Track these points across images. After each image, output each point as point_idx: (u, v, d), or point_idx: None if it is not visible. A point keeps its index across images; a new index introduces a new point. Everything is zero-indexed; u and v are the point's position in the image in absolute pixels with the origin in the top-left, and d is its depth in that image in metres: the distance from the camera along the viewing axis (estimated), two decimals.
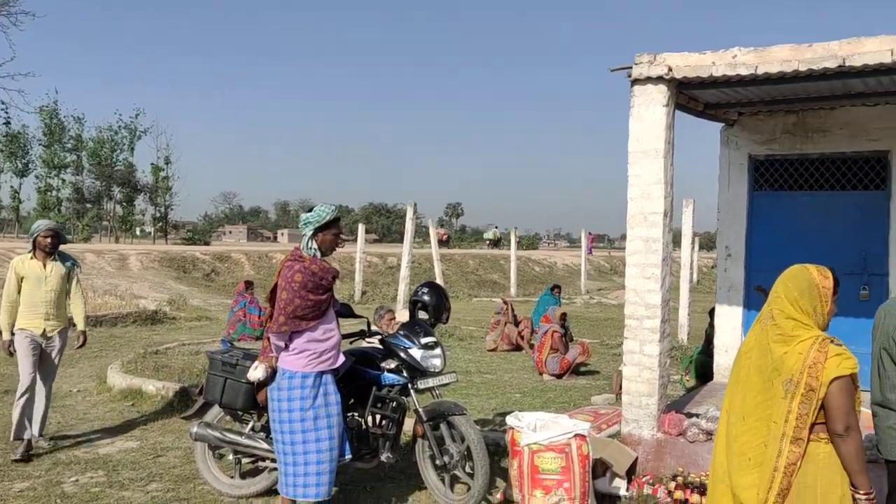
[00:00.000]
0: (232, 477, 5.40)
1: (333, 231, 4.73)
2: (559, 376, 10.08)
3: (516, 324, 12.92)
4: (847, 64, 5.04)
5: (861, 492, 2.91)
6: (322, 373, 4.64)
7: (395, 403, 5.23)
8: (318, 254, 4.70)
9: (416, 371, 5.23)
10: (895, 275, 7.23)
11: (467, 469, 5.09)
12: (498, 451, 5.96)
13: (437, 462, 5.11)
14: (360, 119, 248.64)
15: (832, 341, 2.98)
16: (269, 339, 4.65)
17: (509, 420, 4.97)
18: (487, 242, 52.32)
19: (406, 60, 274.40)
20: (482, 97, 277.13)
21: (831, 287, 3.11)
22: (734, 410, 3.15)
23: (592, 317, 19.58)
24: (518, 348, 12.63)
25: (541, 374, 10.25)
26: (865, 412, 5.71)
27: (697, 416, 5.82)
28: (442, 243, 47.32)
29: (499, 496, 5.30)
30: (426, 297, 5.63)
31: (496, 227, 54.86)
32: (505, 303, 13.62)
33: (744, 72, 5.34)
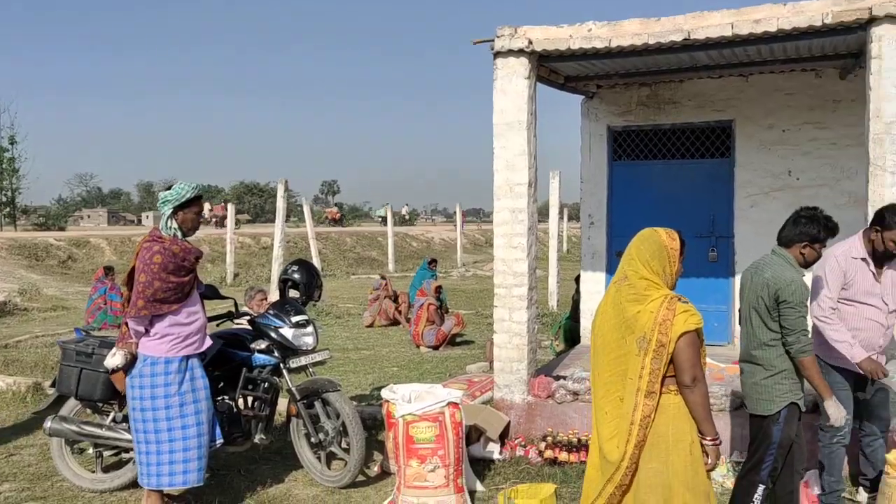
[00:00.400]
0: (93, 471, 5.13)
1: (194, 209, 4.53)
2: (436, 348, 10.22)
3: (394, 299, 12.96)
4: (692, 37, 5.33)
5: (707, 438, 3.12)
6: (187, 357, 4.47)
7: (266, 384, 5.12)
8: (179, 234, 4.49)
9: (289, 350, 5.14)
10: (740, 237, 7.78)
11: (343, 445, 5.07)
12: (375, 425, 5.98)
13: (313, 440, 5.06)
14: (226, 96, 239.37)
15: (680, 299, 3.15)
16: (127, 324, 4.42)
17: (384, 393, 4.99)
18: (380, 219, 51.97)
19: (263, 39, 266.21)
20: (348, 73, 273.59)
21: (678, 248, 3.28)
22: (597, 370, 3.30)
23: (468, 289, 19.95)
24: (395, 323, 12.69)
25: (418, 346, 10.36)
26: (713, 364, 6.16)
27: (565, 378, 6.06)
28: (336, 222, 46.47)
29: (376, 468, 5.33)
30: (296, 276, 5.53)
31: (387, 204, 54.36)
32: (383, 278, 13.62)
33: (598, 45, 5.54)
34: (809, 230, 3.89)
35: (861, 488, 4.64)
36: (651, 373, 3.08)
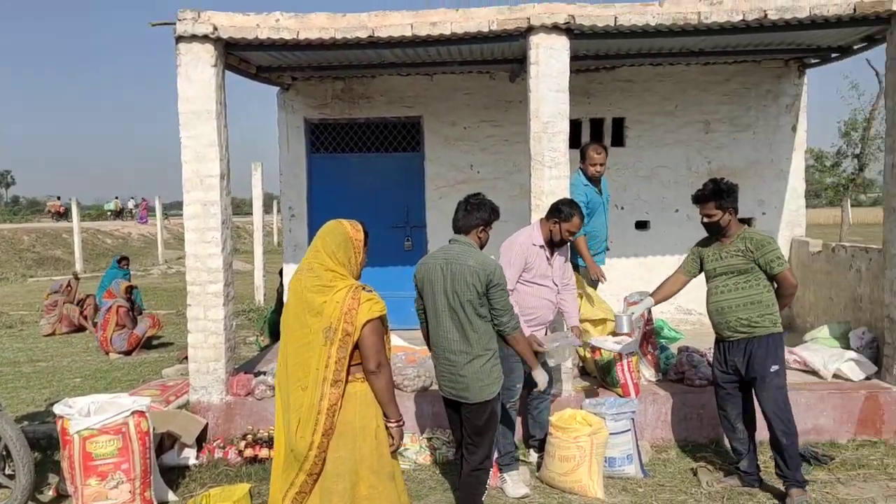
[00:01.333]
0: None
1: None
2: (128, 353, 9.45)
3: (78, 303, 11.72)
4: (376, 35, 5.51)
5: (392, 420, 3.25)
6: None
7: None
8: None
9: None
10: (432, 226, 8.28)
11: (7, 471, 4.47)
12: (52, 445, 5.36)
13: None
14: None
15: (364, 288, 3.23)
16: None
17: (57, 408, 4.47)
18: (109, 213, 46.11)
19: None
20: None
21: (363, 239, 3.36)
22: (281, 358, 3.31)
23: (170, 287, 18.76)
24: (81, 329, 11.49)
25: (107, 353, 9.48)
26: (408, 347, 6.47)
27: (265, 373, 5.96)
28: (61, 216, 40.35)
29: (51, 492, 4.79)
30: None
31: (117, 198, 48.58)
32: (77, 278, 12.26)
33: (287, 36, 5.49)
34: (482, 215, 4.16)
35: (531, 449, 5.20)
36: (337, 362, 3.13)
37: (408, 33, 5.51)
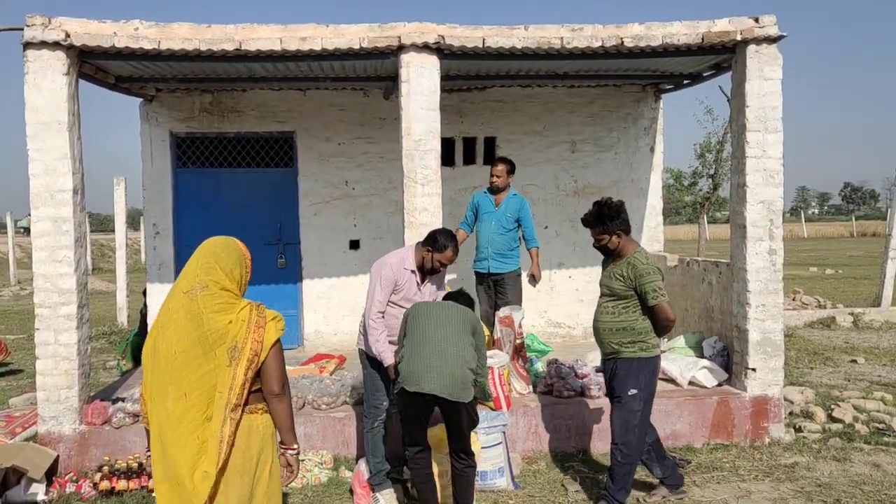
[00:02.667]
0: None
1: None
2: None
3: None
4: (243, 48, 5.38)
5: (292, 447, 3.03)
6: None
7: None
8: None
9: None
10: (306, 243, 8.15)
11: None
12: None
13: None
14: None
15: (263, 306, 3.02)
16: None
17: None
18: (22, 230, 41.37)
19: None
20: None
21: (251, 258, 3.19)
22: (171, 390, 2.94)
23: (23, 309, 17.40)
24: None
25: None
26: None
27: (124, 399, 5.64)
28: None
29: None
30: None
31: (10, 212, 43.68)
32: None
33: (147, 45, 5.26)
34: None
35: (406, 466, 5.16)
36: (243, 384, 2.90)
37: (277, 47, 5.41)
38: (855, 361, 8.32)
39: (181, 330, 2.95)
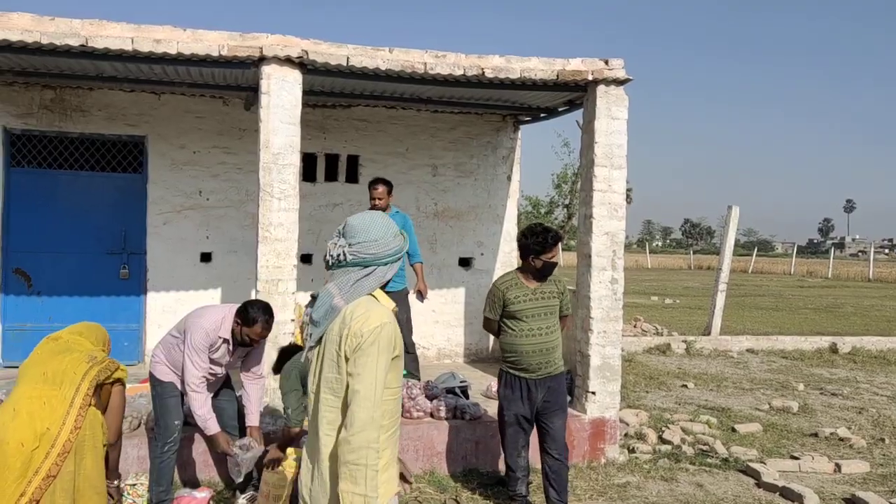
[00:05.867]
0: None
1: None
2: None
3: None
4: (90, 45, 5.08)
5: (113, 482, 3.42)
6: None
7: None
8: None
9: None
10: (153, 254, 7.75)
11: None
12: None
13: None
14: None
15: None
16: None
17: None
18: None
19: None
20: None
21: None
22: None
23: None
24: None
25: None
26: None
27: None
28: None
29: None
30: None
31: None
32: None
33: None
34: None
35: (237, 491, 4.95)
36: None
37: (128, 47, 5.15)
38: (686, 386, 8.93)
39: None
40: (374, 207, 6.65)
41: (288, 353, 4.55)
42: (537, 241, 4.59)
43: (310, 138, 7.71)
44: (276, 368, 4.63)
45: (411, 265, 6.76)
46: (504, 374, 4.81)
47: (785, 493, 5.20)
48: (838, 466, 5.85)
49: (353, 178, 8.28)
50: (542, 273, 4.70)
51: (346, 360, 2.26)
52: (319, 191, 8.13)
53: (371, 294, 2.37)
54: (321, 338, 2.37)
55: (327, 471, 2.30)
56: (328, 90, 7.11)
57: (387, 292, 6.55)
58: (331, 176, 8.24)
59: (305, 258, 7.96)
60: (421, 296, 6.80)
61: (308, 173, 8.05)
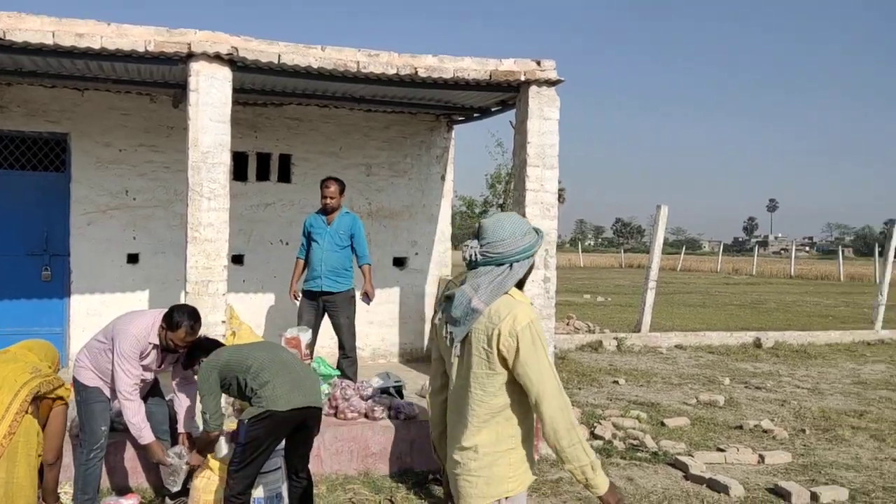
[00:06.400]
0: None
1: None
2: None
3: None
4: (8, 38, 4.87)
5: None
6: None
7: None
8: None
9: None
10: (77, 255, 7.48)
11: None
12: None
13: None
14: None
15: None
16: None
17: None
18: None
19: None
20: None
21: None
22: None
23: None
24: None
25: None
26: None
27: None
28: None
29: None
30: None
31: None
32: None
33: None
34: None
35: (167, 498, 4.83)
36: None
37: (48, 41, 4.96)
38: (617, 382, 9.13)
39: None
40: (324, 206, 6.57)
41: (203, 348, 4.38)
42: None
43: (241, 137, 7.57)
44: (188, 364, 4.47)
45: (359, 266, 6.71)
46: None
47: (711, 484, 5.37)
48: (762, 457, 6.07)
49: (285, 177, 8.17)
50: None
51: (503, 358, 2.46)
52: (251, 190, 7.99)
53: (507, 293, 2.51)
54: (464, 338, 2.54)
55: (475, 461, 2.54)
56: (259, 88, 7.00)
57: (328, 292, 6.49)
58: (262, 175, 8.11)
59: (237, 259, 7.82)
60: (368, 298, 6.75)
61: (239, 172, 7.90)
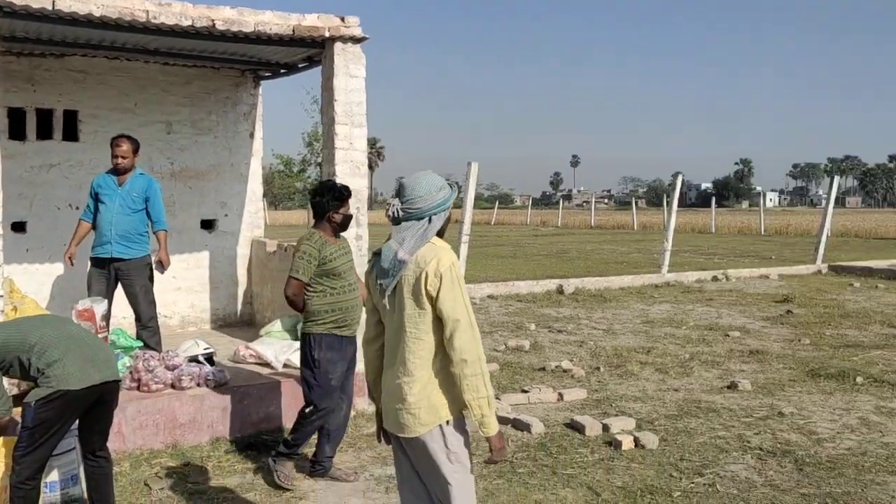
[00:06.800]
0: None
1: None
2: None
3: None
4: None
5: None
6: None
7: None
8: None
9: None
10: None
11: None
12: None
13: None
14: None
15: None
16: None
17: None
18: None
19: None
20: None
21: None
22: None
23: None
24: None
25: None
26: None
27: None
28: None
29: None
30: None
31: None
32: None
33: None
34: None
35: None
36: None
37: None
38: None
39: None
40: (116, 167, 6.04)
41: None
42: (334, 197, 4.66)
43: (16, 91, 6.86)
44: None
45: (154, 232, 6.25)
46: (324, 338, 4.61)
47: (516, 424, 5.73)
48: (561, 395, 6.56)
49: (72, 135, 7.50)
50: (341, 227, 4.75)
51: (430, 297, 2.72)
52: (31, 150, 7.26)
53: (430, 242, 2.78)
54: (395, 286, 2.79)
55: (412, 395, 2.79)
56: (34, 37, 6.31)
57: (119, 258, 6.09)
58: (45, 134, 7.38)
59: (18, 226, 7.11)
60: (162, 266, 6.30)
61: (16, 131, 7.14)
